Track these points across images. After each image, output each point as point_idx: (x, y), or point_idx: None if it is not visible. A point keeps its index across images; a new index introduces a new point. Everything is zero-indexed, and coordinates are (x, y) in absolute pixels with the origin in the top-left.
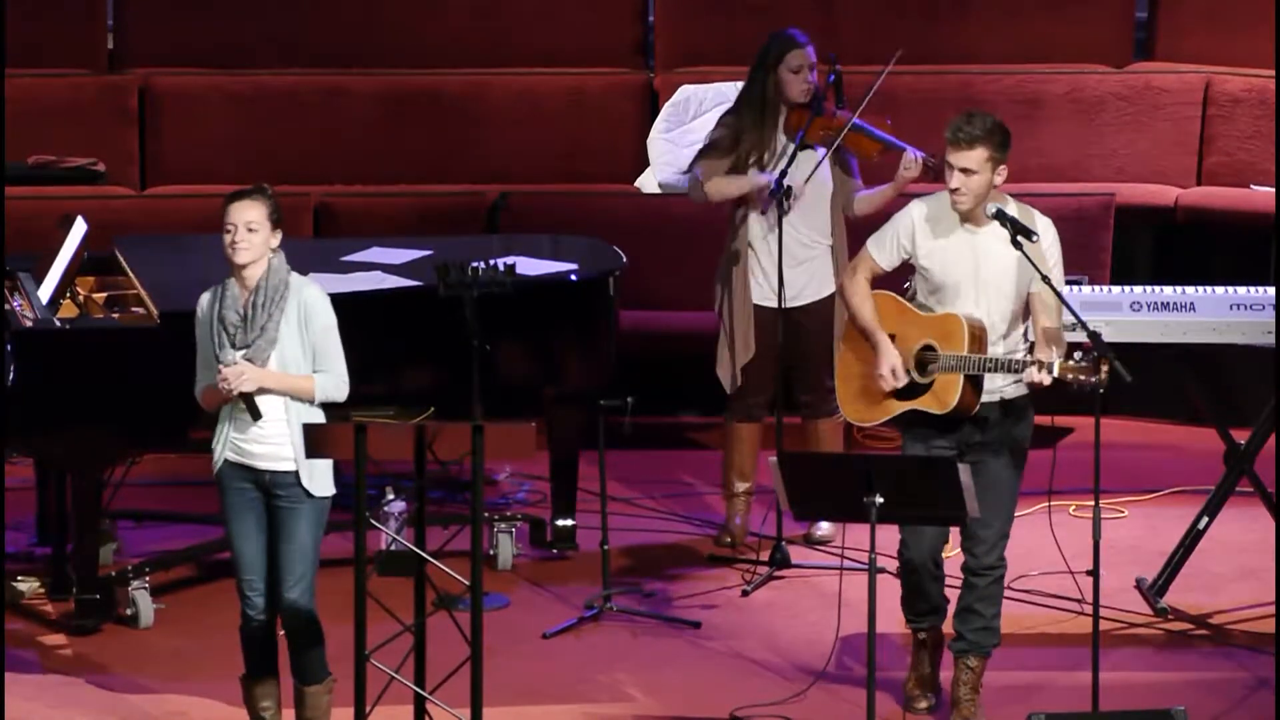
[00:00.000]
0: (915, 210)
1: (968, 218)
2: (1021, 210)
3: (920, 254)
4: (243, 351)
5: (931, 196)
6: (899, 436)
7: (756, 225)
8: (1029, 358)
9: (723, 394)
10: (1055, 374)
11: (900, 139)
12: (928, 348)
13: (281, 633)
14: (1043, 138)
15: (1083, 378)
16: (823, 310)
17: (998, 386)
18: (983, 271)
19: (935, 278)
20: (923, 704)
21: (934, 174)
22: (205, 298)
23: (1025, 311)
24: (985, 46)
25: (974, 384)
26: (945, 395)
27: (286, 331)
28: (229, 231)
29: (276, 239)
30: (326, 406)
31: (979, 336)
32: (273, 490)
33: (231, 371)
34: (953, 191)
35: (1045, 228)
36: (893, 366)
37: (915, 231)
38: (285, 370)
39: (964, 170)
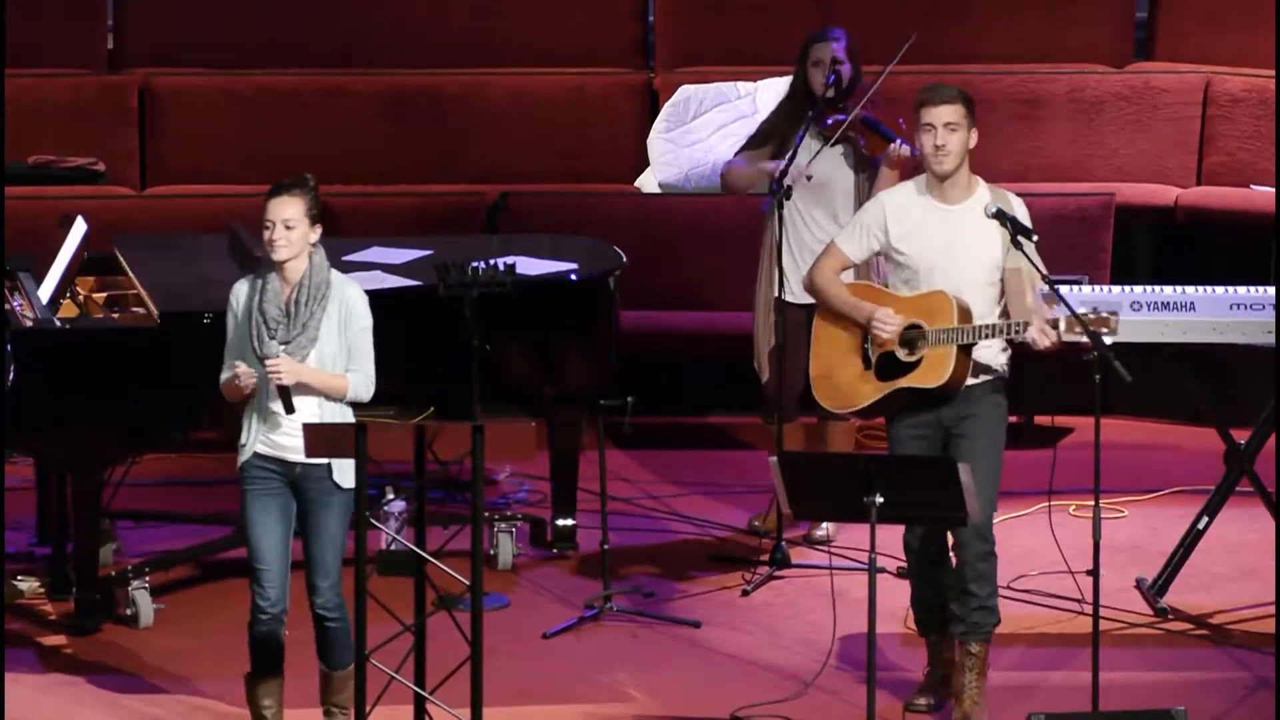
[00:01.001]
0: (885, 199)
1: (941, 195)
2: (995, 194)
3: (894, 239)
4: (283, 347)
5: (898, 186)
6: None
7: (772, 220)
8: (1023, 321)
9: (724, 393)
10: (1063, 329)
11: (905, 138)
12: (913, 327)
13: (287, 632)
14: (1043, 138)
15: (1092, 329)
16: None
17: (987, 368)
18: (957, 250)
19: (911, 261)
20: (921, 700)
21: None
22: (242, 288)
23: (1000, 292)
24: (985, 46)
25: (966, 358)
26: (937, 368)
27: (327, 330)
28: (267, 228)
29: (316, 234)
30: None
31: (967, 312)
32: (302, 483)
33: (272, 365)
34: (937, 150)
35: (1019, 204)
36: (885, 314)
37: (887, 219)
38: (322, 367)
39: (947, 125)
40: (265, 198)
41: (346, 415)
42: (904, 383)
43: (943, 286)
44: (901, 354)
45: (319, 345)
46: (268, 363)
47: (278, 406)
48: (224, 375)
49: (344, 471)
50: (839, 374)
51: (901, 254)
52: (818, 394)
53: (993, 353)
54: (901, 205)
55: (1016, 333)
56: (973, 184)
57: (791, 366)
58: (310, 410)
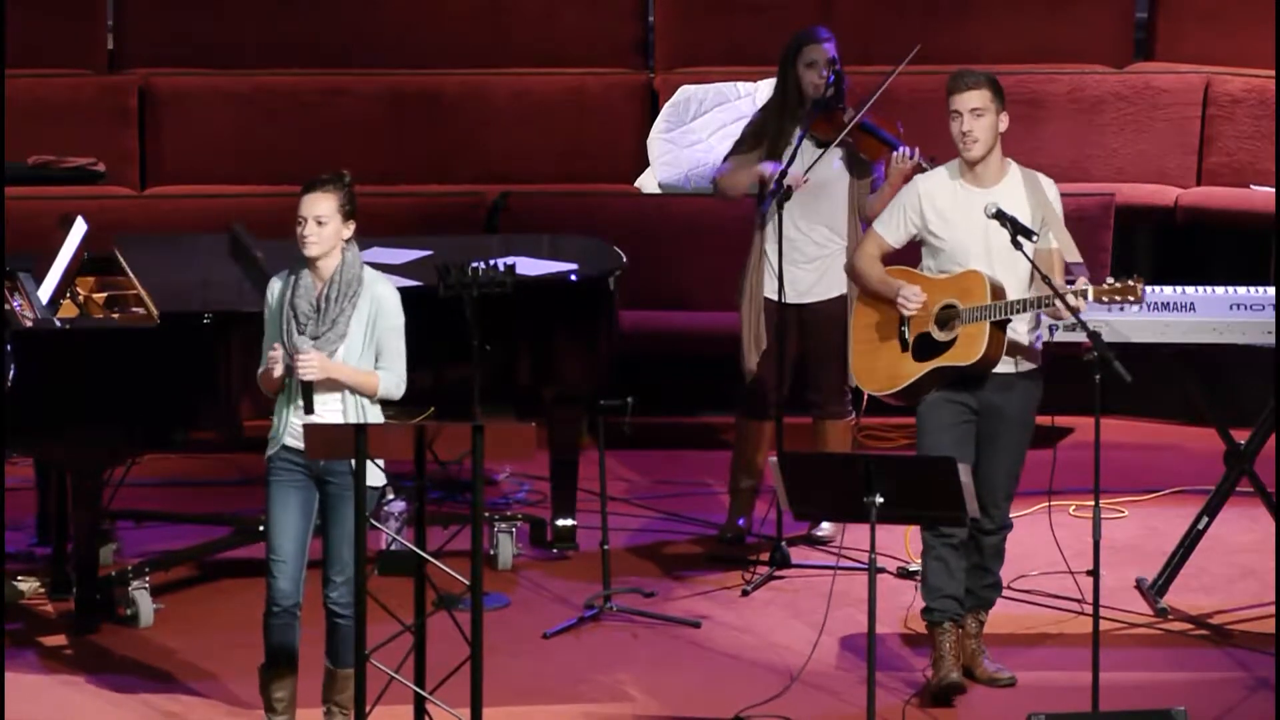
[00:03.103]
0: (920, 184)
1: (974, 178)
2: (1026, 176)
3: (931, 224)
4: (313, 342)
5: (934, 170)
6: (899, 436)
7: (770, 222)
8: (1088, 331)
9: (724, 394)
10: (1090, 298)
11: (904, 141)
12: (947, 307)
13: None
14: (1043, 138)
15: (1118, 299)
16: (833, 309)
17: (1025, 352)
18: (990, 233)
19: (948, 245)
20: (954, 677)
21: (926, 168)
22: (276, 284)
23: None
24: (985, 46)
25: (1000, 334)
26: (971, 345)
27: (356, 325)
28: (299, 224)
29: (349, 230)
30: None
31: (1001, 291)
32: (325, 477)
33: (302, 360)
34: (964, 135)
35: (1049, 184)
36: (911, 291)
37: (922, 203)
38: (347, 362)
39: (973, 111)
40: (301, 194)
41: (374, 410)
42: (940, 362)
43: (977, 269)
44: (936, 333)
45: (347, 341)
46: (297, 357)
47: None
48: (260, 370)
49: (370, 467)
50: (879, 357)
51: (939, 238)
52: (858, 379)
53: (1024, 334)
54: (935, 189)
55: (1046, 305)
56: (1005, 166)
57: (780, 365)
58: (334, 402)
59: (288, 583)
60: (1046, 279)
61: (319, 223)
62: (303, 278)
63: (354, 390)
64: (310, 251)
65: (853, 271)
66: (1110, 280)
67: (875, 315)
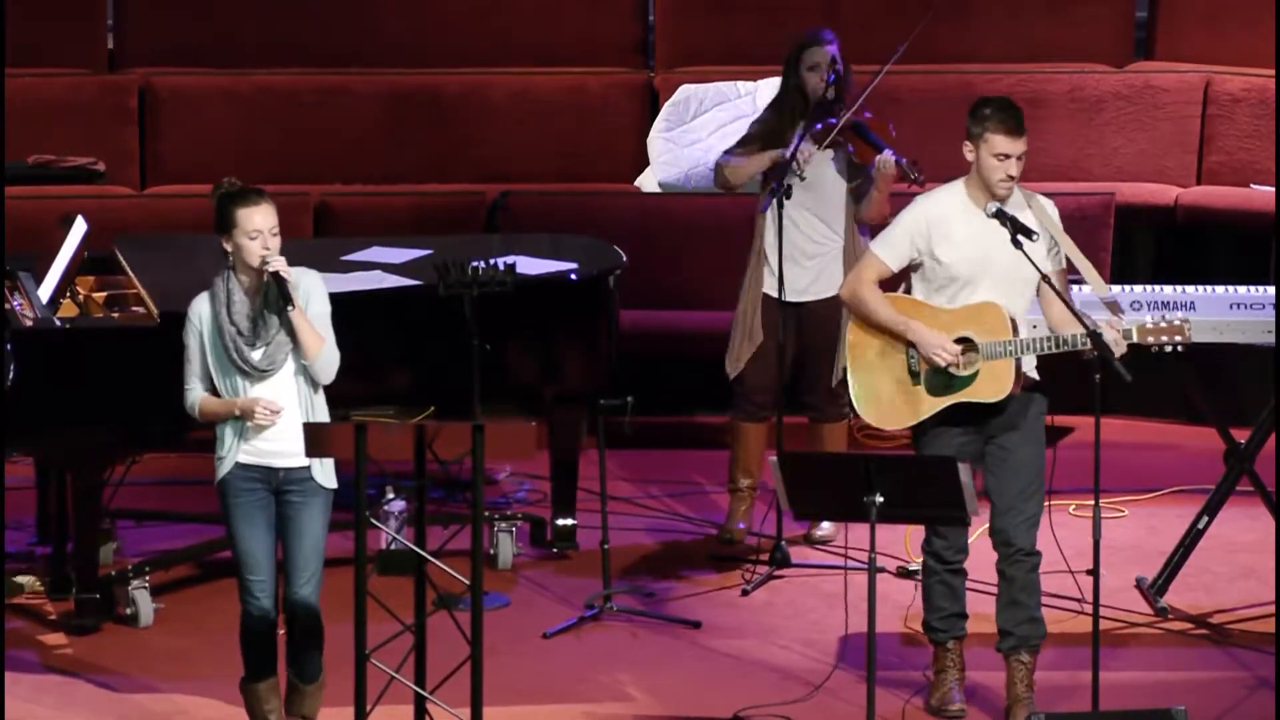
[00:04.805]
0: (924, 207)
1: (982, 202)
2: (1026, 196)
3: (937, 249)
4: (262, 349)
5: (935, 192)
6: (900, 436)
7: (770, 220)
8: (1088, 331)
9: (724, 393)
10: (1136, 339)
11: (894, 146)
12: (962, 339)
13: (281, 631)
14: (1043, 138)
15: (1164, 339)
16: (828, 309)
17: (1025, 374)
18: (995, 257)
19: (951, 270)
20: (955, 706)
21: (911, 177)
22: (204, 306)
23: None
24: (985, 46)
25: (1020, 366)
26: (997, 382)
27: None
28: (255, 238)
29: None
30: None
31: (1015, 322)
32: (284, 487)
33: (275, 258)
34: (1009, 178)
35: (1049, 204)
36: (942, 343)
37: (930, 228)
38: (292, 357)
39: (1019, 158)
40: (241, 207)
41: (319, 408)
42: (961, 397)
43: (984, 295)
44: (955, 368)
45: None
46: (271, 258)
47: (265, 392)
48: (196, 397)
49: (326, 471)
50: (885, 390)
51: (941, 263)
52: (871, 419)
53: (1030, 359)
54: (942, 214)
55: (1084, 344)
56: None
57: (778, 363)
58: (291, 414)
59: (269, 600)
60: (1072, 308)
61: (274, 234)
62: (234, 294)
63: (302, 340)
64: (262, 263)
65: (855, 301)
66: (1155, 319)
67: (875, 347)
